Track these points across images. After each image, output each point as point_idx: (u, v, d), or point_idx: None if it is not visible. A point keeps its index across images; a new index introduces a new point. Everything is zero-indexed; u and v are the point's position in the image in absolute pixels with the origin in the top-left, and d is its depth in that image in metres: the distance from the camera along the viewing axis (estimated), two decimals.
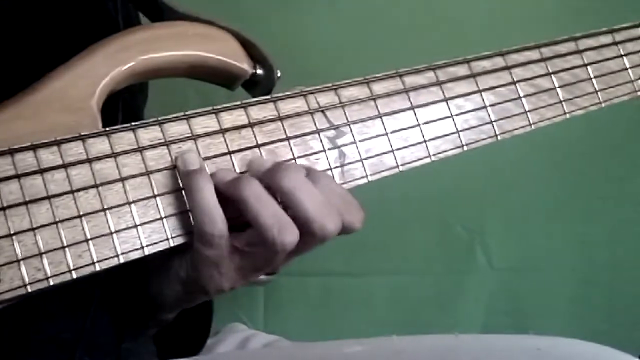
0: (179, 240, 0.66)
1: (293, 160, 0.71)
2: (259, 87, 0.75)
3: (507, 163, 1.60)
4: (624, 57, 0.89)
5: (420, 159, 0.76)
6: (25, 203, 0.61)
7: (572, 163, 1.76)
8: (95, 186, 0.63)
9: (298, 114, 0.72)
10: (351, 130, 0.74)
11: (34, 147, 0.62)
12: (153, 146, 0.66)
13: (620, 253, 1.82)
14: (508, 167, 1.65)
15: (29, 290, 0.60)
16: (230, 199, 0.66)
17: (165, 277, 0.72)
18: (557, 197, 1.79)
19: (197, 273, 0.69)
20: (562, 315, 1.83)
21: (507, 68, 0.82)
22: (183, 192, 0.66)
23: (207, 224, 0.65)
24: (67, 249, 0.61)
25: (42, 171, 0.62)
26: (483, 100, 0.80)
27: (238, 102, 0.71)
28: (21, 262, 0.60)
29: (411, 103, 0.77)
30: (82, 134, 0.64)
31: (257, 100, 0.71)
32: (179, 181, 0.67)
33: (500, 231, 1.78)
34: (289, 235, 0.66)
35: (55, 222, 0.61)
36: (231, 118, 0.70)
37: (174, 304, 0.75)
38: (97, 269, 0.62)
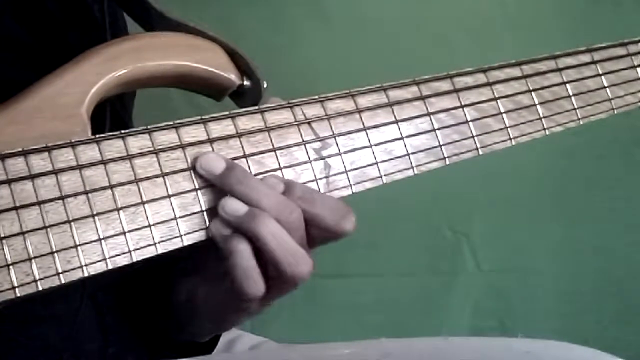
0: (166, 249, 0.66)
1: (279, 171, 0.72)
2: (246, 98, 0.76)
3: (495, 165, 1.61)
4: (602, 76, 0.90)
5: (403, 171, 0.77)
6: (16, 208, 0.62)
7: (560, 164, 1.77)
8: (85, 192, 0.64)
9: (284, 125, 0.73)
10: (336, 142, 0.75)
11: (24, 153, 0.63)
12: (142, 154, 0.67)
13: (608, 255, 1.83)
14: (496, 170, 1.66)
15: (18, 294, 0.60)
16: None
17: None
18: (545, 199, 1.80)
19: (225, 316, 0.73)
20: (550, 317, 1.83)
21: (488, 84, 0.83)
22: (171, 199, 0.67)
23: (250, 287, 0.67)
24: (56, 254, 0.62)
25: (32, 177, 0.63)
26: (465, 115, 0.81)
27: (226, 113, 0.71)
28: (10, 267, 0.61)
29: (395, 116, 0.78)
30: (73, 140, 0.65)
31: (244, 111, 0.72)
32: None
33: (488, 233, 1.79)
34: (304, 266, 0.67)
35: (45, 227, 0.62)
36: (219, 128, 0.71)
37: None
38: (85, 274, 0.63)
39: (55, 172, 0.64)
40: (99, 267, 0.64)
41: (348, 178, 0.75)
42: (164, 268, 0.73)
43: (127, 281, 0.80)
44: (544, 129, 0.85)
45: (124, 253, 0.65)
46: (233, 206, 0.67)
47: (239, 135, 0.71)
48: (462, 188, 1.71)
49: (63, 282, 0.62)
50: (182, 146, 0.69)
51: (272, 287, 0.69)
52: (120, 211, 0.65)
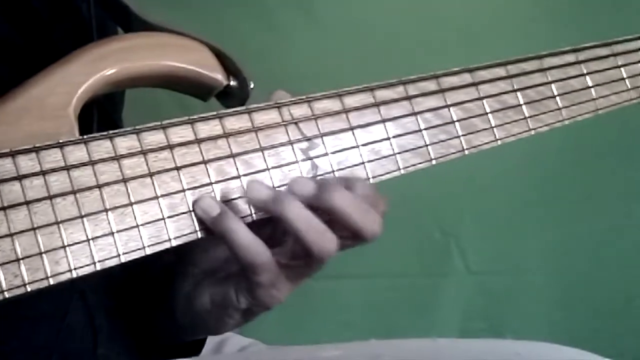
0: (155, 249, 0.66)
1: (267, 172, 0.72)
2: (232, 98, 0.76)
3: (484, 166, 1.61)
4: (587, 76, 0.91)
5: (390, 172, 0.77)
6: (4, 209, 0.61)
7: (551, 165, 1.77)
8: (73, 193, 0.64)
9: (272, 126, 0.73)
10: (323, 142, 0.75)
11: (12, 154, 0.63)
12: (130, 155, 0.67)
13: (600, 256, 1.83)
14: (485, 170, 1.66)
15: (6, 296, 0.60)
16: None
17: (223, 315, 0.75)
18: (535, 200, 1.81)
19: (257, 299, 0.72)
20: (540, 319, 1.84)
21: (474, 84, 0.83)
22: (159, 200, 0.67)
23: (251, 257, 0.68)
24: (44, 255, 0.62)
25: (20, 177, 0.62)
26: (451, 115, 0.82)
27: (214, 113, 0.71)
28: None
29: (382, 116, 0.78)
30: (61, 141, 0.65)
31: (232, 111, 0.72)
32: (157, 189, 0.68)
33: (477, 234, 1.79)
34: (330, 244, 0.68)
35: (33, 228, 0.62)
36: (207, 128, 0.71)
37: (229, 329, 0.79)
38: (74, 275, 0.63)
39: (44, 172, 0.64)
40: (88, 268, 0.64)
41: None
42: (163, 267, 0.73)
43: (117, 281, 0.79)
44: (530, 129, 0.85)
45: (112, 254, 0.65)
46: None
47: (227, 135, 0.71)
48: (452, 189, 1.72)
49: (52, 283, 0.62)
50: (170, 146, 0.69)
51: (303, 265, 0.70)
52: (109, 212, 0.65)
